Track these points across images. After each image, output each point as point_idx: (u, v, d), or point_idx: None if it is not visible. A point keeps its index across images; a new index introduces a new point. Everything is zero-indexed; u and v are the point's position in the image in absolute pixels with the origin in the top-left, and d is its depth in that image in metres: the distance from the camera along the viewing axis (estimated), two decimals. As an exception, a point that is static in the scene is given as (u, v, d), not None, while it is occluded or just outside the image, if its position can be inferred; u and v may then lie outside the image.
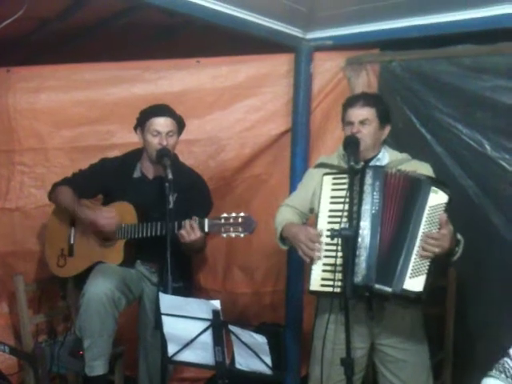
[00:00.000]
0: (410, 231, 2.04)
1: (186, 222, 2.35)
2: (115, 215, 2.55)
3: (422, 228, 2.04)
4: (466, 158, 2.77)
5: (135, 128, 2.61)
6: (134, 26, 2.95)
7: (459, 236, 2.12)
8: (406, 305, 2.14)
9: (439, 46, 2.81)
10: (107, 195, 2.71)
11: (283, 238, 2.29)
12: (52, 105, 3.03)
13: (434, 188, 2.06)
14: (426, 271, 2.02)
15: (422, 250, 2.02)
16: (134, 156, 2.69)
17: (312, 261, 2.13)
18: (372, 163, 2.26)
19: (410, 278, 2.01)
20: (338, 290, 2.04)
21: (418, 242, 2.03)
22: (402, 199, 2.09)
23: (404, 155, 2.34)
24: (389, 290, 2.03)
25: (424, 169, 2.24)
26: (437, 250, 2.01)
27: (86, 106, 3.06)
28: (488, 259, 2.73)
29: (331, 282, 2.06)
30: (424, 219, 2.04)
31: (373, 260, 2.04)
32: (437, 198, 2.05)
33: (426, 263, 2.02)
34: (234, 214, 2.33)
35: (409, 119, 2.90)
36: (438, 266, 2.09)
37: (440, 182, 2.11)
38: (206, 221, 2.36)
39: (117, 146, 2.99)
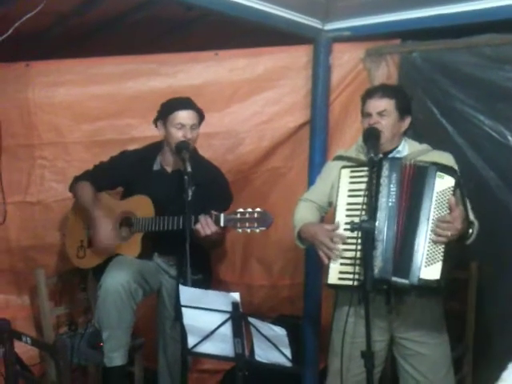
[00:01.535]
0: (420, 220, 2.03)
1: (201, 218, 2.35)
2: (110, 238, 2.58)
3: (433, 215, 2.02)
4: (488, 150, 2.73)
5: (155, 121, 2.61)
6: (151, 19, 2.95)
7: (472, 217, 2.10)
8: (425, 295, 2.12)
9: (460, 36, 2.76)
10: (127, 188, 2.73)
11: (301, 238, 2.29)
12: (71, 99, 3.05)
13: (439, 173, 2.04)
14: (442, 258, 2.00)
15: (435, 235, 2.00)
16: (154, 149, 2.70)
17: (331, 260, 2.12)
18: (392, 155, 2.24)
19: (426, 266, 2.00)
20: (356, 283, 2.03)
21: (429, 230, 2.02)
22: (412, 188, 2.08)
23: (424, 146, 2.30)
24: (406, 281, 2.01)
25: (445, 159, 2.21)
26: (449, 233, 1.98)
27: (104, 100, 3.07)
28: (510, 252, 2.69)
29: (349, 276, 2.06)
30: (433, 206, 2.03)
31: (389, 253, 2.04)
32: (444, 183, 2.04)
33: (441, 249, 2.00)
34: (250, 210, 2.33)
35: (430, 110, 2.86)
36: (455, 254, 2.08)
37: (445, 167, 2.09)
38: (222, 215, 2.37)
39: (136, 140, 3.00)
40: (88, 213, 2.65)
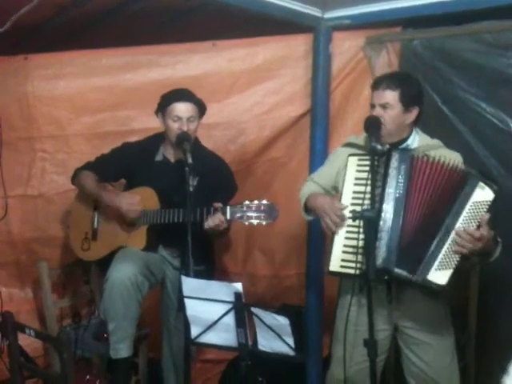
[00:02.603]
0: (446, 223, 1.99)
1: (215, 218, 2.35)
2: (139, 201, 2.56)
3: (460, 222, 1.98)
4: (490, 137, 2.71)
5: (156, 112, 2.61)
6: (150, 9, 2.93)
7: (498, 238, 2.06)
8: (424, 293, 2.11)
9: (461, 23, 2.74)
10: (130, 179, 2.72)
11: (307, 210, 2.28)
12: (71, 91, 3.05)
13: (481, 183, 1.99)
14: (454, 266, 1.97)
15: (456, 244, 1.97)
16: (156, 140, 2.69)
17: (333, 234, 2.12)
18: (401, 147, 2.20)
19: (436, 270, 1.98)
20: (357, 271, 2.02)
21: (452, 235, 1.98)
22: (440, 188, 2.03)
23: (435, 141, 2.26)
24: (409, 275, 2.00)
25: (454, 157, 2.15)
26: (471, 246, 1.95)
27: (104, 92, 3.06)
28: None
29: (350, 264, 2.06)
30: (464, 213, 1.98)
31: (394, 244, 2.02)
32: (482, 195, 1.98)
33: (456, 258, 1.97)
34: (256, 202, 2.32)
35: (431, 98, 2.82)
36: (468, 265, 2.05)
37: (489, 178, 2.02)
38: (228, 208, 2.36)
39: (136, 132, 2.99)
40: (98, 196, 2.65)
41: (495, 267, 2.74)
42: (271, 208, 2.30)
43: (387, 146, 2.08)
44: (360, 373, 2.22)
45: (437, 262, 1.98)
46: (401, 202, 2.04)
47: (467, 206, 1.98)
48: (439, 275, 1.97)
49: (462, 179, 2.02)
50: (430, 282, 1.98)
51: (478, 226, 1.96)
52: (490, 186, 1.99)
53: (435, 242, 2.00)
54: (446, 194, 2.02)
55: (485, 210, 1.97)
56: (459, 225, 1.98)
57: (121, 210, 2.57)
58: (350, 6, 2.86)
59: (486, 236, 1.96)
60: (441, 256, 1.98)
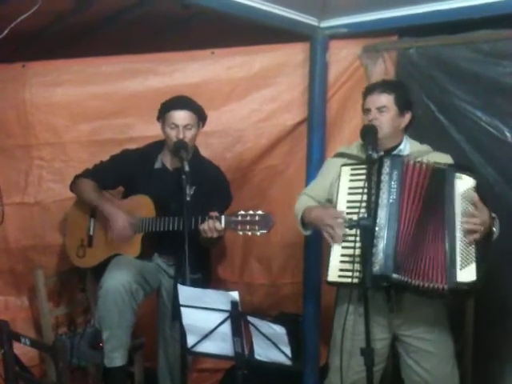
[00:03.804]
0: (446, 222, 2.00)
1: (210, 222, 2.34)
2: (130, 225, 2.55)
3: (459, 216, 2.00)
4: (486, 145, 2.72)
5: (158, 119, 2.63)
6: (149, 18, 2.94)
7: (493, 214, 2.08)
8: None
9: (458, 32, 2.76)
10: (128, 186, 2.72)
11: (304, 224, 2.28)
12: (68, 99, 3.05)
13: (457, 174, 2.03)
14: (475, 258, 1.98)
15: (466, 232, 1.99)
16: (156, 147, 2.70)
17: (337, 243, 2.12)
18: (394, 153, 2.22)
19: (461, 269, 1.97)
20: (355, 280, 2.02)
21: (457, 231, 2.00)
22: (426, 190, 2.05)
23: (425, 146, 2.30)
24: (407, 279, 2.00)
25: (445, 160, 2.19)
26: (479, 228, 1.97)
27: (102, 100, 3.07)
28: (509, 248, 2.68)
29: (349, 273, 2.05)
30: (457, 208, 2.01)
31: (390, 249, 2.02)
32: (464, 184, 2.03)
33: (473, 249, 1.98)
34: (251, 212, 2.31)
35: (427, 106, 2.85)
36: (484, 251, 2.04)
37: (462, 167, 2.07)
38: (223, 217, 2.35)
39: (134, 139, 2.99)
40: (95, 206, 2.65)
41: (492, 272, 2.75)
42: (266, 218, 2.29)
43: (381, 153, 2.10)
44: (358, 382, 2.21)
45: (458, 262, 1.98)
46: (394, 208, 2.05)
47: (457, 200, 2.01)
48: (466, 273, 1.97)
49: (440, 177, 2.05)
50: (462, 284, 1.97)
51: (475, 208, 2.00)
52: (467, 174, 2.04)
53: (447, 245, 2.00)
54: (433, 195, 2.05)
55: (473, 193, 2.02)
56: (459, 219, 2.00)
57: (111, 227, 2.56)
58: (346, 14, 2.88)
59: (485, 209, 1.99)
60: (458, 254, 1.99)
